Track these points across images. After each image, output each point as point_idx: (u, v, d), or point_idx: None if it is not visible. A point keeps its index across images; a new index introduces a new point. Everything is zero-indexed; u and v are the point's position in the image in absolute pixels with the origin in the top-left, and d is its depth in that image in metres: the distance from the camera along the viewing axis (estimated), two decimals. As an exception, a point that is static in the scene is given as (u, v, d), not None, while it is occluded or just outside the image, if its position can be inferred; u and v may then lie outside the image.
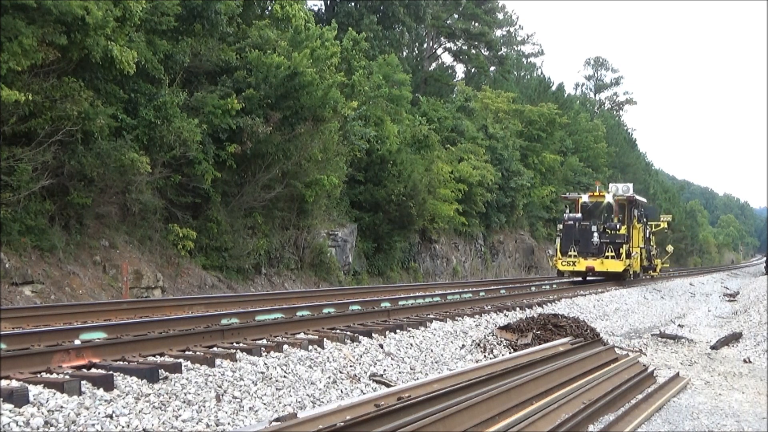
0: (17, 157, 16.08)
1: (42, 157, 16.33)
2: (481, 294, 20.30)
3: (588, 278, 29.83)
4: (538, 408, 7.73)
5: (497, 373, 8.65)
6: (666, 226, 39.28)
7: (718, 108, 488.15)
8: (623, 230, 28.88)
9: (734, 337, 16.18)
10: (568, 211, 30.35)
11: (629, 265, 29.06)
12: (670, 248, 41.94)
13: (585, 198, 30.24)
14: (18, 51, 15.18)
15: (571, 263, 28.55)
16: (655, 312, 23.60)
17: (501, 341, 12.87)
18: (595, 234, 28.42)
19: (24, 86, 15.75)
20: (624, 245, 28.55)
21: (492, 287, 23.91)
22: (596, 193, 30.63)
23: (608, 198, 29.63)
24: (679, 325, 19.86)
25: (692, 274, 56.39)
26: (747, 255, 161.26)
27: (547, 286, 26.68)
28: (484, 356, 12.00)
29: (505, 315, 16.22)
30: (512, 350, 12.29)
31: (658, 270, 36.53)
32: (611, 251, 28.25)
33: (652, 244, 35.98)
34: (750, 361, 13.53)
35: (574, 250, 28.65)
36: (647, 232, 33.75)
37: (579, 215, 29.56)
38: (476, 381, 8.06)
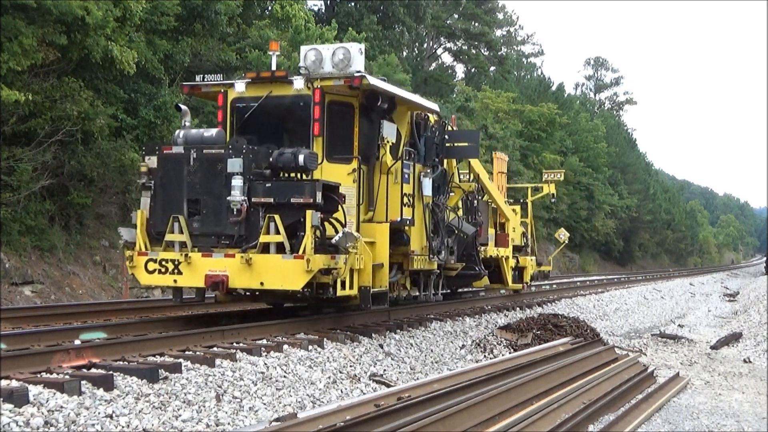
0: (17, 157, 16.09)
1: (42, 157, 16.35)
2: (482, 294, 20.29)
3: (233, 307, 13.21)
4: (538, 408, 7.73)
5: (497, 373, 8.65)
6: (549, 191, 25.87)
7: (718, 108, 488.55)
8: (339, 170, 11.33)
9: (734, 337, 16.18)
10: (187, 124, 11.44)
11: (336, 267, 10.20)
12: (562, 234, 29.59)
13: (240, 86, 11.57)
14: (18, 51, 15.19)
15: (171, 267, 10.34)
16: (655, 312, 23.60)
17: (501, 341, 12.89)
18: (238, 181, 9.98)
19: (24, 86, 15.76)
20: (335, 212, 10.69)
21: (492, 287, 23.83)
22: (266, 74, 11.73)
23: (298, 84, 11.25)
24: (679, 325, 19.86)
25: (692, 274, 56.40)
26: (747, 255, 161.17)
27: (547, 286, 26.66)
28: (484, 356, 12.00)
29: (505, 315, 16.23)
30: (512, 350, 12.30)
31: (528, 276, 20.19)
32: (275, 230, 9.93)
33: (521, 226, 20.52)
34: (750, 361, 13.53)
35: (184, 227, 10.38)
36: (474, 197, 16.09)
37: (214, 132, 10.92)
38: (476, 381, 8.06)
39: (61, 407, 6.00)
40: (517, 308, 17.53)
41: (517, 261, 19.58)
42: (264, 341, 9.42)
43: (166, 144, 11.12)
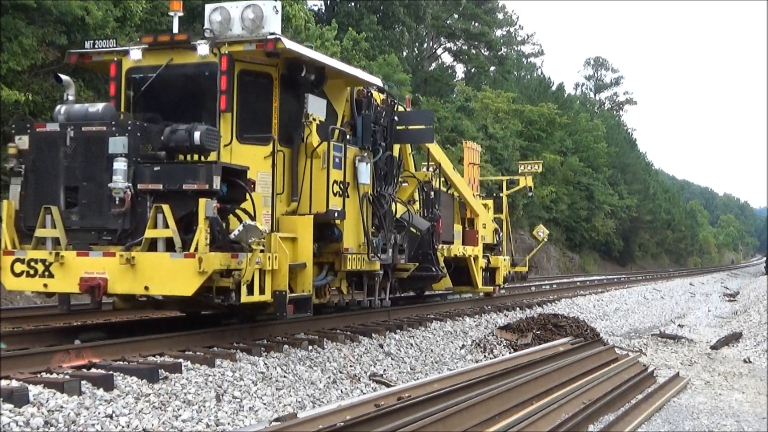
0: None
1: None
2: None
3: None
4: (538, 408, 7.73)
5: (497, 373, 8.65)
6: (526, 184, 23.95)
7: (718, 108, 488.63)
8: (253, 152, 9.57)
9: (734, 337, 16.18)
10: (70, 98, 9.54)
11: (238, 268, 8.43)
12: (541, 231, 27.22)
13: (136, 54, 9.75)
14: (18, 51, 15.20)
15: (41, 269, 8.55)
16: (655, 312, 23.60)
17: (501, 341, 12.88)
18: (120, 164, 8.26)
19: (24, 86, 15.76)
20: (243, 202, 8.82)
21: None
22: (165, 38, 9.80)
23: (203, 50, 9.36)
24: (679, 325, 19.86)
25: (692, 274, 56.40)
26: (747, 255, 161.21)
27: (547, 286, 26.66)
28: (484, 356, 12.00)
29: (505, 315, 16.23)
30: (512, 350, 12.30)
31: (501, 277, 18.45)
32: (164, 223, 8.22)
33: (491, 220, 18.55)
34: (750, 361, 13.53)
35: (58, 220, 8.63)
36: (431, 188, 14.42)
37: (101, 107, 8.96)
38: (476, 381, 8.06)
39: (61, 407, 6.00)
40: (517, 308, 17.53)
41: (489, 261, 17.81)
42: (264, 341, 9.43)
43: (40, 122, 9.18)
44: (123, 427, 6.09)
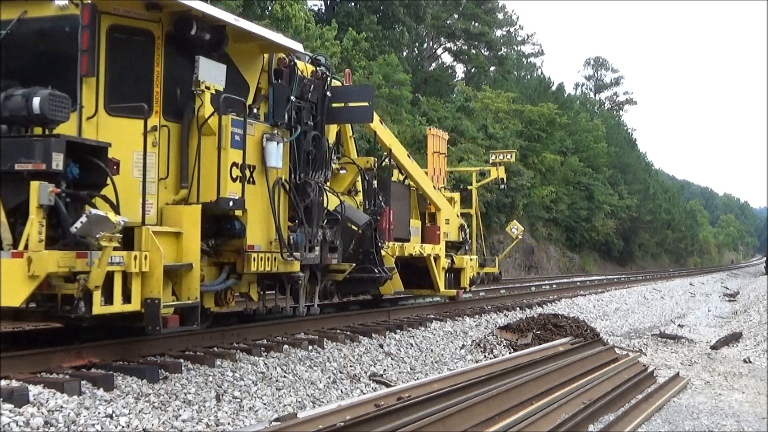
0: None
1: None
2: (481, 294, 20.28)
3: None
4: (538, 408, 7.73)
5: (497, 373, 8.65)
6: (498, 175, 21.80)
7: (717, 108, 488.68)
8: (127, 127, 7.86)
9: (734, 337, 16.18)
10: None
11: (87, 270, 6.78)
12: (515, 228, 25.03)
13: None
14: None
15: None
16: (655, 312, 23.59)
17: (501, 341, 12.88)
18: None
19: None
20: (104, 187, 7.28)
21: (492, 287, 23.90)
22: None
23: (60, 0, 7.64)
24: (679, 325, 19.86)
25: (692, 274, 56.39)
26: (747, 255, 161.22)
27: (547, 286, 26.67)
28: (484, 356, 12.00)
29: (505, 315, 16.23)
30: (512, 350, 12.29)
31: (467, 279, 16.68)
32: None
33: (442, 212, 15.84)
34: (750, 361, 13.53)
35: None
36: (374, 177, 12.88)
37: None
38: (476, 381, 8.06)
39: (61, 407, 6.00)
40: (517, 308, 17.53)
41: (452, 261, 15.99)
42: (264, 341, 9.43)
43: None
44: (123, 427, 6.09)
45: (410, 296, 16.17)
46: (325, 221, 10.23)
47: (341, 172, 11.97)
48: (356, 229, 11.10)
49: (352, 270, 11.30)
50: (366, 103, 10.79)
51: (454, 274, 16.24)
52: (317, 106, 10.09)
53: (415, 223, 14.86)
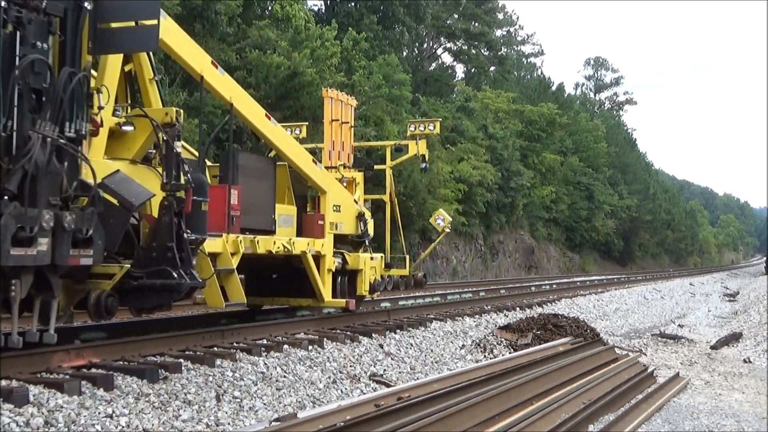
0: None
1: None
2: (481, 294, 20.29)
3: None
4: (538, 408, 7.73)
5: (497, 373, 8.65)
6: (417, 152, 17.03)
7: (717, 108, 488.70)
8: None
9: (734, 337, 16.17)
10: None
11: None
12: (440, 218, 19.21)
13: None
14: (18, 51, 15.13)
15: None
16: (655, 312, 23.58)
17: (501, 341, 12.87)
18: None
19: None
20: None
21: (492, 287, 23.91)
22: None
23: None
24: (679, 325, 19.85)
25: (692, 274, 56.40)
26: (747, 255, 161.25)
27: (547, 286, 26.68)
28: (484, 356, 12.00)
29: (505, 315, 16.24)
30: (512, 350, 12.29)
31: (366, 284, 12.85)
32: None
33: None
34: (750, 361, 13.53)
35: None
36: (176, 138, 8.17)
37: None
38: (476, 381, 8.06)
39: (61, 407, 6.00)
40: (517, 308, 17.54)
41: (344, 261, 12.29)
42: (264, 341, 9.43)
43: None
44: (123, 427, 6.09)
45: (277, 310, 12.68)
46: (73, 198, 6.78)
47: (125, 129, 8.44)
48: (127, 210, 7.45)
49: (123, 273, 7.51)
50: (151, 22, 7.43)
51: (348, 277, 12.52)
52: (64, 22, 6.78)
53: (286, 210, 11.28)
